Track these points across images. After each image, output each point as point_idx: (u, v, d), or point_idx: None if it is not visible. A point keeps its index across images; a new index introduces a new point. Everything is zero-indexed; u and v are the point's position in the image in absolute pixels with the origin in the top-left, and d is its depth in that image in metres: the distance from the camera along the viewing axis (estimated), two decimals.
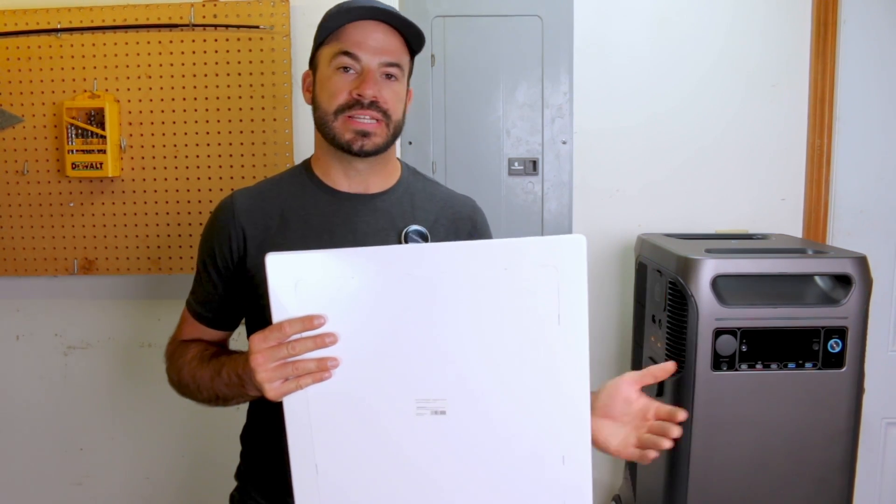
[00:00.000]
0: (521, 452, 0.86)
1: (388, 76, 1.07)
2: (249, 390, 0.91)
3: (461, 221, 1.18)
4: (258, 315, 1.10)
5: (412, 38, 1.10)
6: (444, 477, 0.87)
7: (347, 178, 1.12)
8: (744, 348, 1.52)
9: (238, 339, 1.18)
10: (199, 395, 1.05)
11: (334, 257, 0.83)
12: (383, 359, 0.84)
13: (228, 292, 1.12)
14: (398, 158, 1.20)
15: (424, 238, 1.12)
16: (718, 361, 1.52)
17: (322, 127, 1.08)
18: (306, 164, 1.16)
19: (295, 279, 0.83)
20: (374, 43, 1.05)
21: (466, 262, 0.83)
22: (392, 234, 1.11)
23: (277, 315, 0.84)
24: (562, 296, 0.82)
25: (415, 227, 1.12)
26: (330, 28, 1.06)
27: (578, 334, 0.83)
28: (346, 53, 1.05)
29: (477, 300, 0.83)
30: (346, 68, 1.05)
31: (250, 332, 1.15)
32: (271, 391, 0.84)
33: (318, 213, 1.10)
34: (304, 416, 0.85)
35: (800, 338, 1.52)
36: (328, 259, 0.83)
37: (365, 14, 1.05)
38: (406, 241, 1.11)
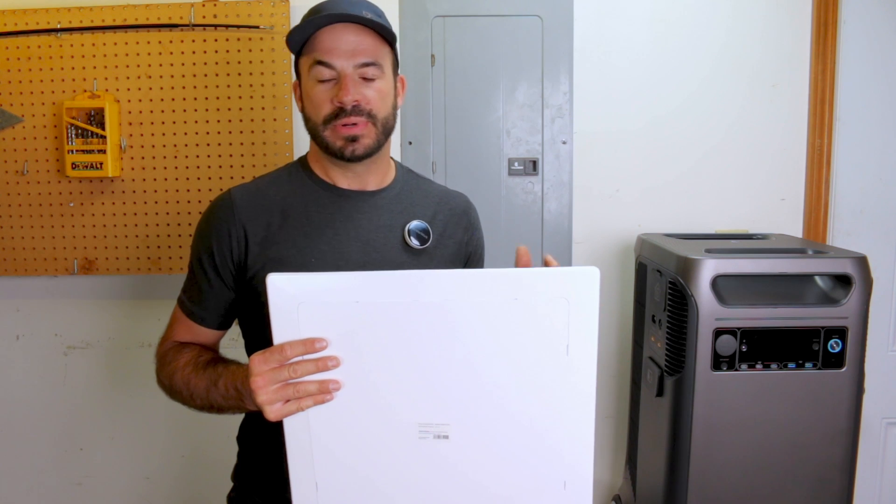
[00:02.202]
0: (522, 476, 0.86)
1: (366, 76, 1.06)
2: (248, 405, 0.90)
3: (457, 216, 1.20)
4: (256, 316, 1.09)
5: (383, 32, 1.09)
6: (445, 499, 0.87)
7: (346, 178, 1.13)
8: (744, 348, 1.52)
9: (236, 341, 1.18)
10: (191, 403, 1.04)
11: (339, 280, 0.82)
12: (386, 382, 0.84)
13: (225, 291, 1.11)
14: (391, 157, 1.20)
15: (426, 233, 1.13)
16: (718, 361, 1.52)
17: (314, 137, 1.09)
18: (303, 162, 1.16)
19: (297, 301, 0.81)
20: (346, 46, 1.05)
21: (476, 290, 0.81)
22: (395, 230, 1.12)
23: (278, 336, 0.83)
24: (572, 327, 0.81)
25: (416, 222, 1.13)
26: (297, 40, 1.06)
27: (586, 365, 0.82)
28: (321, 63, 1.05)
29: (484, 328, 0.82)
30: (324, 78, 1.05)
31: (245, 333, 1.15)
32: (272, 413, 0.83)
33: (319, 210, 1.10)
34: (304, 434, 0.85)
35: (800, 338, 1.52)
36: (332, 282, 0.82)
37: (329, 20, 1.05)
38: (409, 237, 1.12)
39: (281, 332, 0.83)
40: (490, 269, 0.83)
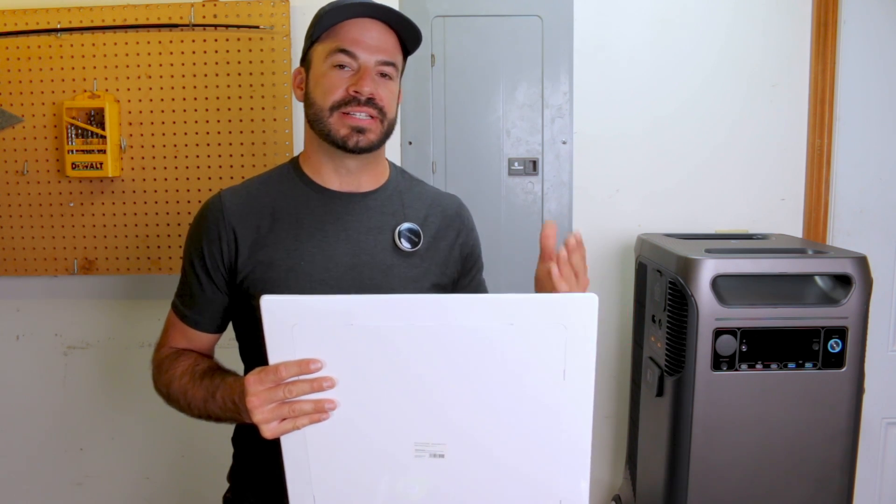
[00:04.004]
0: (517, 495, 0.87)
1: (383, 75, 1.07)
2: (245, 419, 0.90)
3: (450, 219, 1.19)
4: (248, 319, 1.09)
5: (408, 38, 1.10)
6: None
7: (339, 177, 1.12)
8: (744, 348, 1.52)
9: (230, 345, 1.18)
10: (188, 412, 1.03)
11: (332, 304, 0.82)
12: (382, 403, 0.84)
13: (217, 294, 1.10)
14: (386, 159, 1.20)
15: (416, 235, 1.12)
16: (718, 361, 1.52)
17: (316, 123, 1.07)
18: (294, 163, 1.16)
19: (291, 322, 0.81)
20: (371, 41, 1.05)
21: (472, 315, 0.81)
22: (385, 232, 1.11)
23: (273, 356, 0.83)
24: (569, 353, 0.81)
25: (407, 224, 1.12)
26: (325, 25, 1.06)
27: (583, 389, 0.82)
28: (343, 51, 1.05)
29: (480, 352, 0.82)
30: (342, 66, 1.05)
31: (239, 336, 1.14)
32: (268, 431, 0.84)
33: (309, 212, 1.10)
34: (301, 450, 0.86)
35: (800, 338, 1.52)
36: (326, 305, 0.82)
37: (362, 11, 1.05)
38: (399, 239, 1.11)
39: (276, 352, 0.83)
40: (487, 294, 0.83)
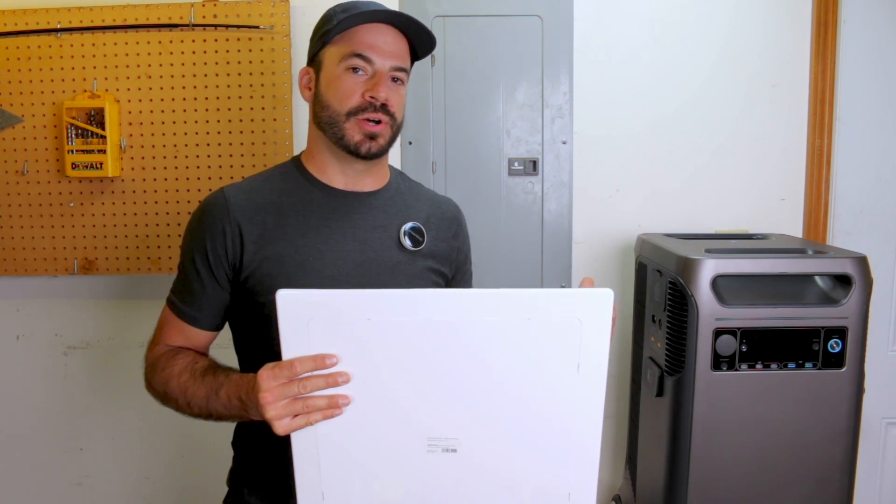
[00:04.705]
0: (528, 488, 0.87)
1: (395, 80, 1.09)
2: (253, 416, 0.89)
3: (448, 221, 1.21)
4: (250, 316, 1.09)
5: (420, 45, 1.12)
6: None
7: (345, 177, 1.13)
8: (744, 348, 1.52)
9: (229, 345, 1.18)
10: (187, 410, 1.02)
11: (351, 298, 0.81)
12: (396, 398, 0.83)
13: (218, 291, 1.09)
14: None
15: (420, 234, 1.14)
16: (718, 361, 1.52)
17: (330, 126, 1.08)
18: (296, 162, 1.16)
19: (307, 317, 0.81)
20: (387, 47, 1.07)
21: (489, 309, 0.81)
22: (389, 231, 1.12)
23: (288, 352, 0.82)
24: (584, 346, 0.82)
25: (411, 223, 1.14)
26: (341, 28, 1.07)
27: (596, 382, 0.84)
28: (359, 55, 1.06)
29: (497, 346, 0.82)
30: (355, 69, 1.06)
31: (237, 333, 1.14)
32: (280, 428, 0.83)
33: (315, 209, 1.10)
34: (311, 446, 0.85)
35: (800, 338, 1.52)
36: (344, 300, 0.81)
37: (382, 17, 1.07)
38: (404, 237, 1.12)
39: (290, 347, 0.82)
40: (504, 288, 0.83)
